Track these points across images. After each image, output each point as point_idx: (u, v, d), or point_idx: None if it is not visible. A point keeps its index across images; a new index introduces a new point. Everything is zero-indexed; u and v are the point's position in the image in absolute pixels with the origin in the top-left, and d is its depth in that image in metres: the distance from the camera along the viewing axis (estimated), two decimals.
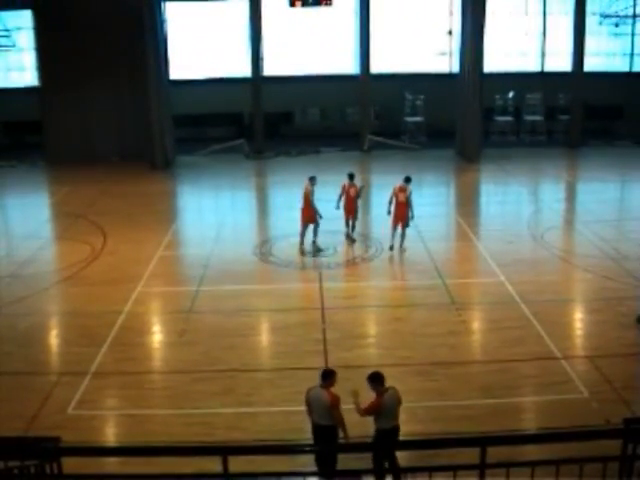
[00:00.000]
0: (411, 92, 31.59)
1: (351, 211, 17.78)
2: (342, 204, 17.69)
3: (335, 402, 8.02)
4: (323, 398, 8.06)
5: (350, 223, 17.95)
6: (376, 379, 8.17)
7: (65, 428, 9.31)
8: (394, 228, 16.74)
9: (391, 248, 16.74)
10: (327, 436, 8.10)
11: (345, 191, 17.67)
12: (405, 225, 16.72)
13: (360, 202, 18.21)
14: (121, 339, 12.50)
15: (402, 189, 16.68)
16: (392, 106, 32.21)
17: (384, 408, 8.07)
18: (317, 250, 16.92)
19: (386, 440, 8.08)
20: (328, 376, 8.20)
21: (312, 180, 17.10)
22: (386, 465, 7.78)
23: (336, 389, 8.10)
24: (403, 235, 16.81)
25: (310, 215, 16.87)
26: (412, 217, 16.68)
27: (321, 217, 16.97)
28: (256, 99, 29.66)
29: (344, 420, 8.09)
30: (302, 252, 16.89)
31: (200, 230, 20.11)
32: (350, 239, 17.85)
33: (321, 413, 8.13)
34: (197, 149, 29.89)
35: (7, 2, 29.98)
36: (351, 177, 17.85)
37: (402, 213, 16.59)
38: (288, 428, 9.60)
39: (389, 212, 16.76)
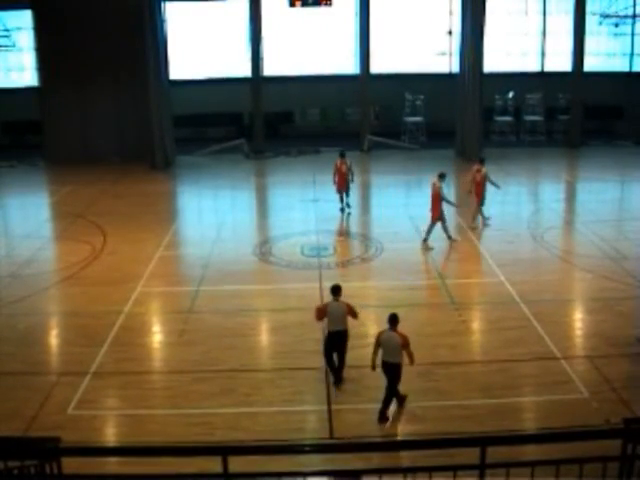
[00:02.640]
0: (411, 92, 31.58)
1: (343, 185, 19.95)
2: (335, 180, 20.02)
3: (406, 341, 9.64)
4: (395, 339, 9.65)
5: (344, 198, 20.08)
6: (335, 291, 10.69)
7: (65, 428, 9.32)
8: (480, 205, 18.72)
9: (486, 223, 18.72)
10: (393, 373, 9.76)
11: (337, 168, 19.95)
12: (479, 203, 18.54)
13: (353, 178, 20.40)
14: (121, 339, 12.50)
15: (478, 170, 18.67)
16: (392, 106, 32.21)
17: (329, 314, 10.61)
18: (427, 247, 17.07)
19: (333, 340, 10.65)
20: (395, 320, 9.74)
21: (442, 177, 17.36)
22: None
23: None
24: (476, 211, 18.64)
25: (435, 213, 17.09)
26: (484, 196, 18.60)
27: (457, 205, 18.50)
28: (256, 99, 29.66)
29: (413, 354, 9.70)
30: (426, 247, 17.02)
31: (200, 230, 20.12)
32: (344, 212, 20.04)
33: (391, 352, 9.71)
34: (197, 149, 29.89)
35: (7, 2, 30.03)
36: (342, 155, 20.13)
37: (477, 191, 18.56)
38: (288, 428, 9.62)
39: (469, 191, 18.84)
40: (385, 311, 13.62)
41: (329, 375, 10.89)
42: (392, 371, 9.78)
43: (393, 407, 10.03)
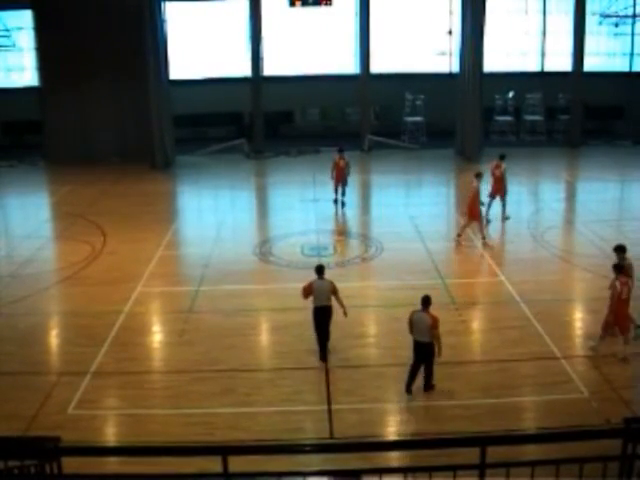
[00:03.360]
0: (411, 92, 31.57)
1: (340, 180, 20.47)
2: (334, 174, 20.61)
3: (435, 323, 10.02)
4: (425, 319, 10.05)
5: (340, 190, 20.55)
6: (319, 270, 11.42)
7: (65, 428, 9.33)
8: (491, 199, 18.90)
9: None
10: (425, 351, 10.15)
11: (336, 163, 20.54)
12: (504, 196, 18.87)
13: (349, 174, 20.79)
14: (121, 339, 12.51)
15: (497, 166, 19.04)
16: (392, 106, 32.19)
17: (315, 291, 11.23)
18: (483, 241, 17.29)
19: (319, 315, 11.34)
20: (428, 301, 10.19)
21: (478, 177, 17.54)
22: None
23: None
24: (504, 205, 18.95)
25: (476, 213, 17.22)
26: (506, 190, 18.89)
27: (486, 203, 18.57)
28: (256, 99, 29.65)
29: (441, 338, 10.03)
30: (486, 244, 17.26)
31: (200, 230, 20.12)
32: (340, 203, 20.49)
33: (422, 332, 10.10)
34: (197, 149, 29.88)
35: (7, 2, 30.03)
36: (340, 150, 20.70)
37: (499, 186, 18.85)
38: (288, 428, 9.63)
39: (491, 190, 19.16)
40: (385, 311, 13.77)
41: (329, 374, 10.90)
42: (424, 350, 10.16)
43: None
